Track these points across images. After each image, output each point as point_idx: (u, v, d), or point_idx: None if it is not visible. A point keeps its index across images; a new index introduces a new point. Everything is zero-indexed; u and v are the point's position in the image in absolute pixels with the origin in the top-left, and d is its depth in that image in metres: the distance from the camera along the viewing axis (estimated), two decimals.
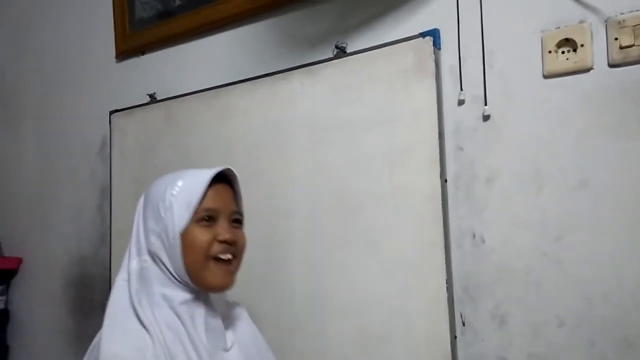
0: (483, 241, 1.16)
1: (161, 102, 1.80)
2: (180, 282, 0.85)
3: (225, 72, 1.64)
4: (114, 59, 2.01)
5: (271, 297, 1.45)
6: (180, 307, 0.82)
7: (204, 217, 0.84)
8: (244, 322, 0.96)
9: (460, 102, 1.21)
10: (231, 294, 0.95)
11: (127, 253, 0.88)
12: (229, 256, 0.84)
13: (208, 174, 0.84)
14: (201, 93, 1.67)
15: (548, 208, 1.09)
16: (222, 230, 0.84)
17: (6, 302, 2.31)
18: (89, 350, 0.84)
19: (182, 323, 0.81)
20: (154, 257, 0.85)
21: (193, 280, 0.84)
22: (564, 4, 1.11)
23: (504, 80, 1.16)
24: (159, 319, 0.80)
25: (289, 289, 1.42)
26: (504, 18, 1.18)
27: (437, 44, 1.23)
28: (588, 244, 1.05)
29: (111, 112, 1.94)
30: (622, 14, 1.05)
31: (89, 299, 2.02)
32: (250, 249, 0.93)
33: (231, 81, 1.59)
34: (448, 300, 1.17)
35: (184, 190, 0.83)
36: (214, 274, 0.83)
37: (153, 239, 0.84)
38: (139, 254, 0.86)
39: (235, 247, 0.86)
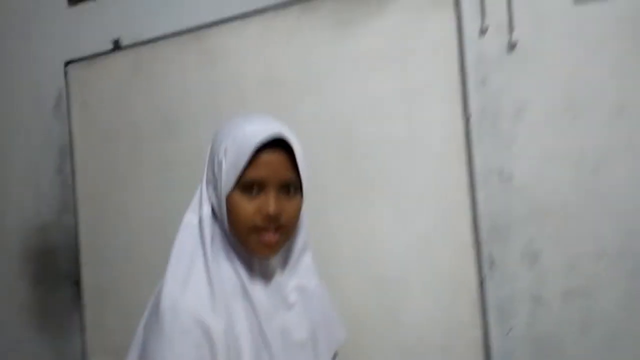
0: (512, 178, 1.11)
1: (128, 49, 1.61)
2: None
3: (205, 10, 1.47)
4: (66, 2, 1.77)
5: None
6: (237, 262, 0.78)
7: (249, 186, 0.76)
8: (313, 285, 0.88)
9: (483, 31, 1.13)
10: None
11: (198, 194, 0.81)
12: (269, 229, 0.77)
13: (257, 138, 0.74)
14: (176, 37, 1.50)
15: (583, 139, 1.05)
16: (265, 203, 0.76)
17: None
18: (153, 297, 0.77)
19: (240, 279, 0.77)
20: (213, 208, 0.80)
21: (239, 241, 0.80)
22: None
23: (532, 5, 1.09)
24: (222, 272, 0.76)
25: None
26: None
27: None
28: (627, 174, 1.01)
29: (67, 63, 1.72)
30: None
31: (53, 270, 1.84)
32: None
33: (213, 20, 1.43)
34: (474, 242, 1.12)
35: (233, 150, 0.76)
36: (255, 244, 0.77)
37: (210, 190, 0.80)
38: (207, 201, 0.81)
39: (283, 218, 0.78)
